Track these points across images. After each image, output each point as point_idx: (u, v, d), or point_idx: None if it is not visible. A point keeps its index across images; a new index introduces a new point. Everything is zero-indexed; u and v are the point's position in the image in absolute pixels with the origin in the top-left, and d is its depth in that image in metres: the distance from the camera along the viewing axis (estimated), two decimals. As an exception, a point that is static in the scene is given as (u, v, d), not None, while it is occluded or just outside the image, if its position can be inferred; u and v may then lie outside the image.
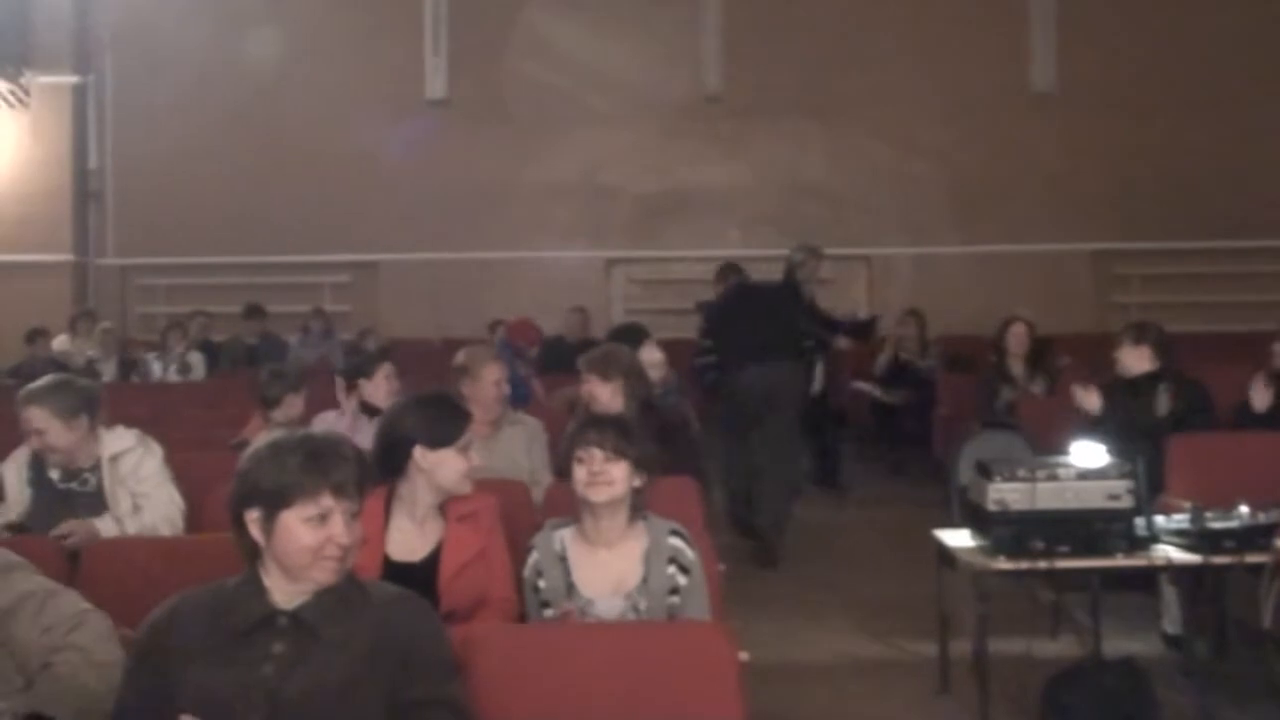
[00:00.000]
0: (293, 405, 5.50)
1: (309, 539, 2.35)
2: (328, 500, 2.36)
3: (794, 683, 4.90)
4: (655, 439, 4.68)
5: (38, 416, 4.11)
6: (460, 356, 5.01)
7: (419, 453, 3.32)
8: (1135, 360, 5.80)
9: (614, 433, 3.32)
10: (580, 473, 3.27)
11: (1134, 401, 5.75)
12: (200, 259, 12.78)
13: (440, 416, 3.41)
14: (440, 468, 3.33)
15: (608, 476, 3.25)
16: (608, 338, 7.08)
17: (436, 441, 3.33)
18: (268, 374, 5.70)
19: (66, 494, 4.20)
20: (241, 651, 2.33)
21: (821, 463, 8.92)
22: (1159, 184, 12.25)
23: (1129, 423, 5.55)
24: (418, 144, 12.64)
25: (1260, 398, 5.68)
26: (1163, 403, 5.68)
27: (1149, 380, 5.75)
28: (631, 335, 6.52)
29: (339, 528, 2.36)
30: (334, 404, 5.77)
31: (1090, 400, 5.70)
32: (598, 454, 3.26)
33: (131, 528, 4.09)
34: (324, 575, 2.37)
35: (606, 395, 4.95)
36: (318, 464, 2.37)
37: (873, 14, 12.61)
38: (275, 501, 2.36)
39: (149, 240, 12.96)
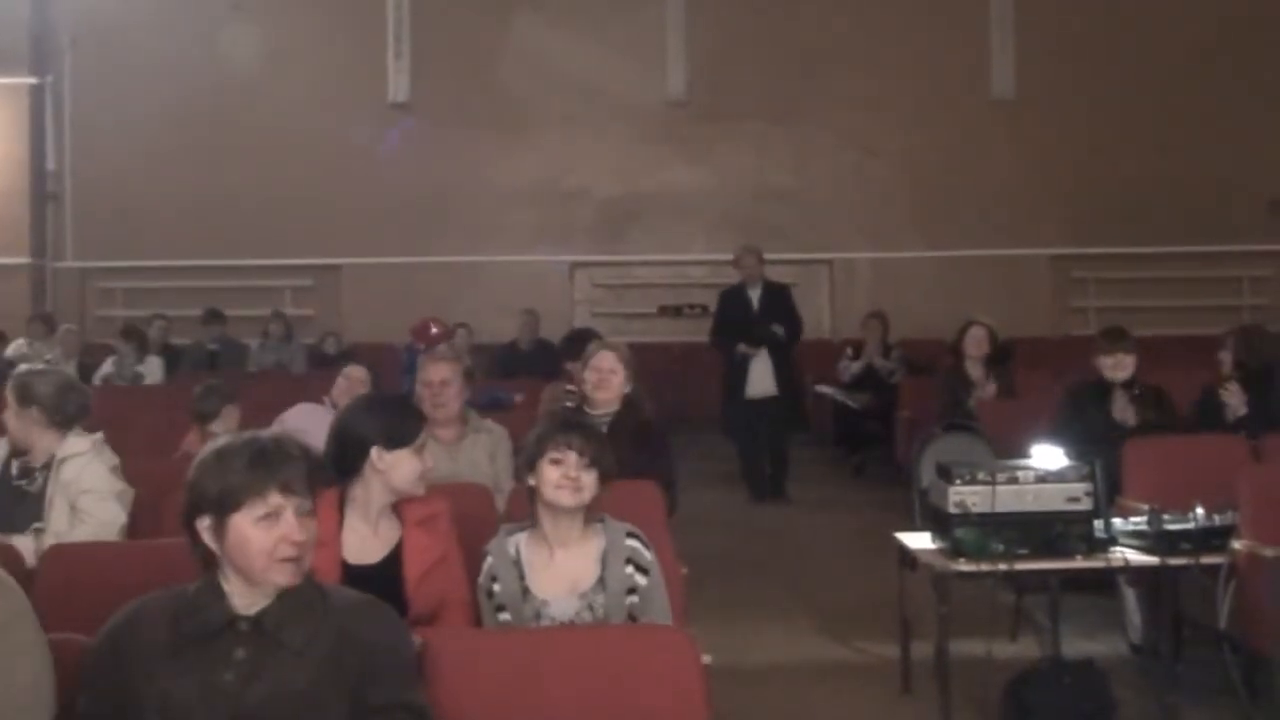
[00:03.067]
0: (230, 416, 5.47)
1: (262, 540, 2.32)
2: (276, 498, 2.33)
3: (757, 685, 4.90)
4: (632, 439, 4.72)
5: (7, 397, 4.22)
6: None
7: (376, 454, 3.30)
8: (1125, 367, 5.89)
9: (593, 441, 3.30)
10: (553, 474, 3.22)
11: (1101, 405, 5.83)
12: (160, 262, 12.68)
13: (396, 417, 3.40)
14: (396, 469, 3.31)
15: (579, 483, 3.22)
16: (562, 343, 7.05)
17: (393, 442, 3.32)
18: (202, 389, 5.67)
19: (17, 491, 4.19)
20: (203, 658, 2.31)
21: (773, 471, 8.91)
22: (1117, 189, 12.40)
23: (1095, 425, 5.64)
24: (394, 146, 12.61)
25: (1236, 400, 5.78)
26: (1129, 410, 5.75)
27: (1124, 385, 5.84)
28: (583, 340, 6.49)
29: (291, 525, 2.33)
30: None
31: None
32: (574, 458, 3.24)
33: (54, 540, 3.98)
34: (282, 577, 2.34)
35: (620, 383, 4.99)
36: (263, 462, 2.34)
37: (835, 21, 12.69)
38: (224, 506, 2.33)
39: (108, 243, 12.83)
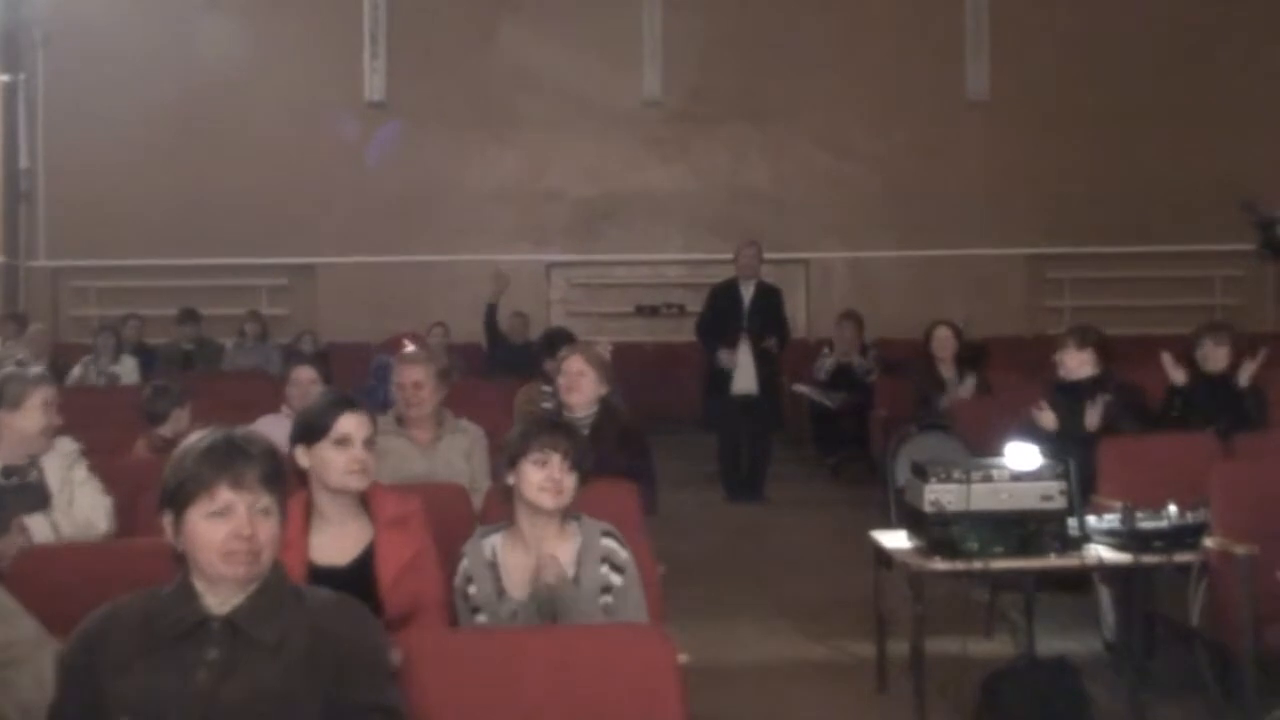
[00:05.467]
0: (180, 419, 5.41)
1: (212, 535, 2.31)
2: (226, 494, 2.32)
3: (734, 684, 4.91)
4: (614, 441, 4.72)
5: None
6: None
7: (299, 452, 3.27)
8: (1078, 364, 5.89)
9: (575, 443, 3.30)
10: (537, 475, 3.22)
11: (1073, 404, 5.86)
12: (134, 261, 12.58)
13: (310, 410, 3.37)
14: (320, 465, 3.26)
15: (561, 485, 3.23)
16: (539, 343, 7.04)
17: (306, 437, 3.28)
18: (151, 391, 5.59)
19: (14, 488, 4.18)
20: (175, 658, 2.29)
21: (751, 469, 8.90)
22: (1090, 189, 12.48)
23: (1069, 424, 5.67)
24: (383, 147, 12.57)
25: (1177, 373, 5.94)
26: (1095, 412, 5.77)
27: (1091, 384, 5.86)
28: (559, 340, 6.48)
29: (241, 520, 2.31)
30: (272, 408, 5.73)
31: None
32: (558, 461, 3.23)
33: (65, 521, 4.09)
34: (234, 570, 2.32)
35: (591, 386, 4.97)
36: (214, 458, 2.34)
37: (811, 21, 12.72)
38: (179, 501, 2.34)
39: (81, 242, 12.72)
